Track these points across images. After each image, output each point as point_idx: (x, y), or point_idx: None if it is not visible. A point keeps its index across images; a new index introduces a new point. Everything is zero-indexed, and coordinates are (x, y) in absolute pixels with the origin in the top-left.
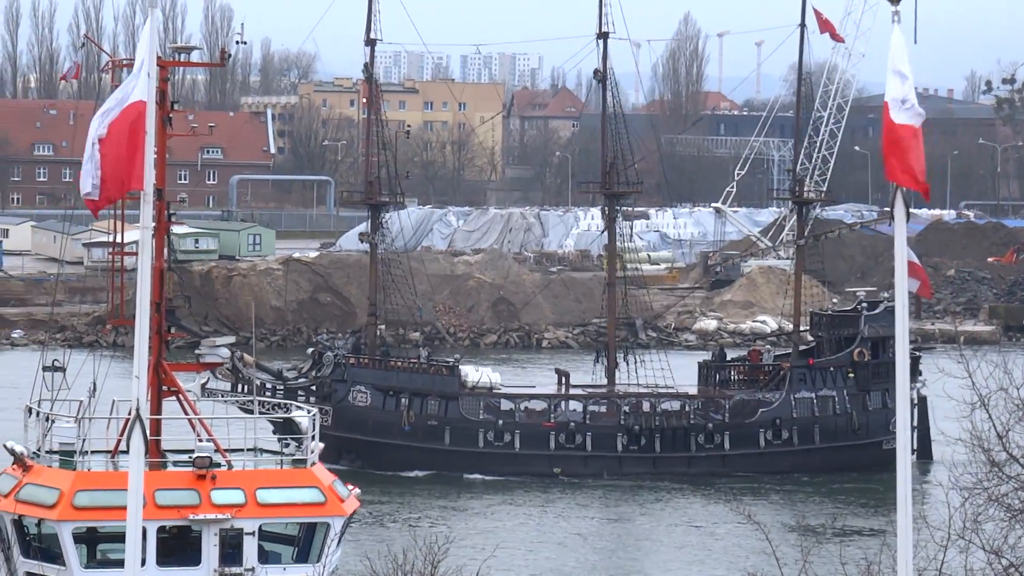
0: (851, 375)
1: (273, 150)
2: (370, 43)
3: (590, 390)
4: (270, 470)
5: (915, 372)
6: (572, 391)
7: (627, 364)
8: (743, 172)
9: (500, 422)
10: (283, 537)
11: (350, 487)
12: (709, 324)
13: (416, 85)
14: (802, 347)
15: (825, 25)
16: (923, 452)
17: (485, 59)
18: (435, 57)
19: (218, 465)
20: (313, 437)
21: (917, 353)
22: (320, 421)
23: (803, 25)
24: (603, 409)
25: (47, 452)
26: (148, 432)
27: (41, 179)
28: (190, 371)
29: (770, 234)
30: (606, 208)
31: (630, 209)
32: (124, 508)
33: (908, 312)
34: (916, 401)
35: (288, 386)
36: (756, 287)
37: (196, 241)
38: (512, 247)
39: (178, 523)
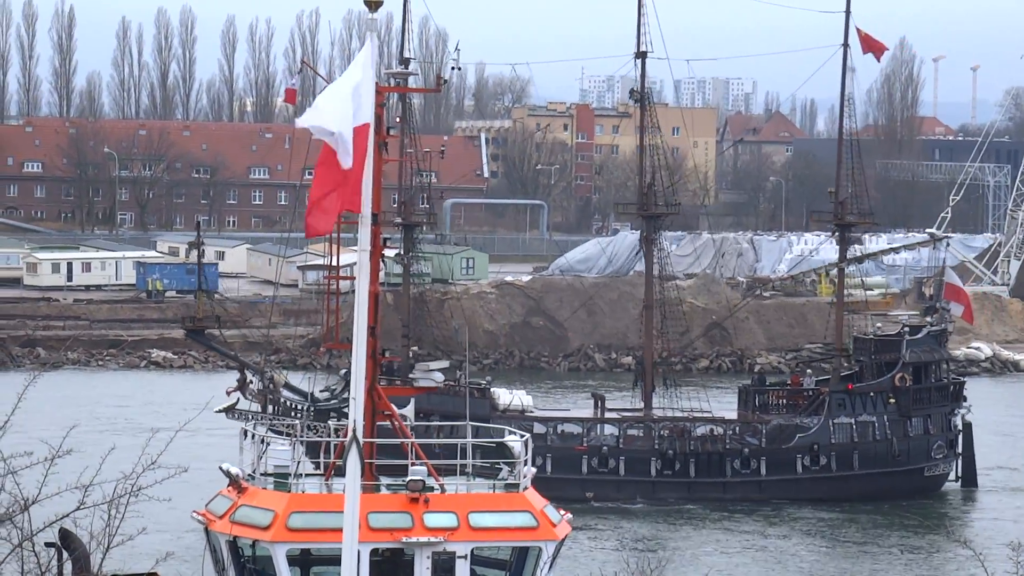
0: (892, 401)
1: (487, 174)
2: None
3: (625, 414)
4: (483, 494)
5: (959, 397)
6: (607, 415)
7: (665, 388)
8: (958, 197)
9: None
10: (495, 561)
11: (562, 512)
12: None
13: (629, 109)
14: (844, 372)
15: None
16: (968, 480)
17: (699, 83)
18: (649, 81)
19: (431, 488)
20: (526, 462)
21: (962, 379)
22: (527, 446)
23: None
24: (638, 433)
25: (262, 474)
26: (363, 454)
27: (256, 202)
28: (404, 395)
29: (984, 260)
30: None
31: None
32: (337, 530)
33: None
34: (961, 428)
35: (318, 407)
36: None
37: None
38: (724, 272)
39: (391, 546)
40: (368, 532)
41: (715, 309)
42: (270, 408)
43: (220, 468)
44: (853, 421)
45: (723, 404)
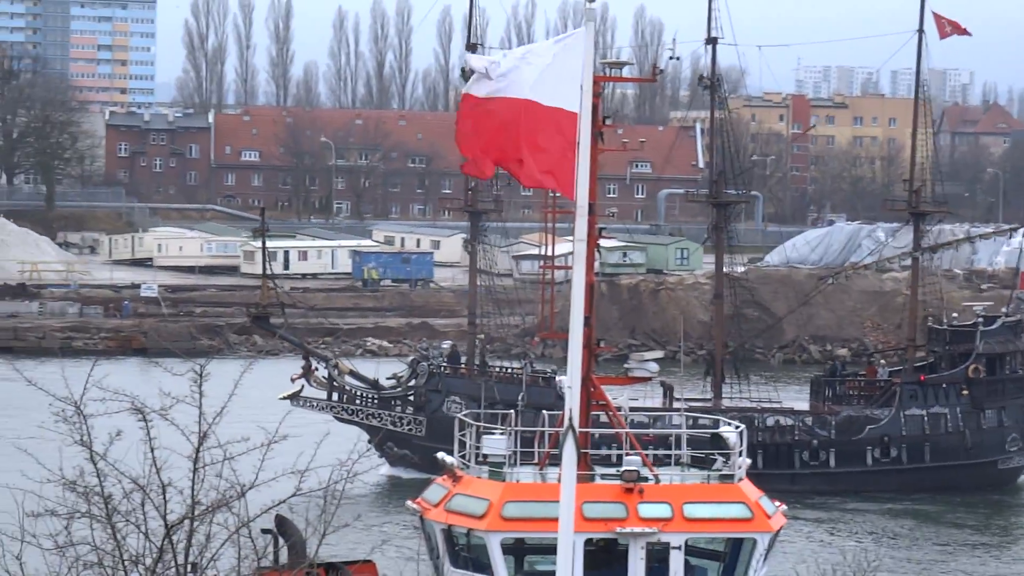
0: (965, 392)
1: (702, 165)
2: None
3: (693, 404)
4: (697, 484)
5: None
6: (675, 405)
7: (737, 379)
8: None
9: (596, 435)
10: (709, 553)
11: (776, 503)
12: None
13: (846, 100)
14: (917, 363)
15: None
16: None
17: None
18: (864, 72)
19: (645, 479)
20: (740, 452)
21: None
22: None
23: None
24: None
25: (477, 463)
26: (579, 444)
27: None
28: (619, 385)
29: None
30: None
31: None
32: (552, 520)
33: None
34: None
35: (382, 395)
36: None
37: (624, 255)
38: (941, 264)
39: (605, 536)
40: (582, 522)
41: (929, 302)
42: (335, 396)
43: (435, 456)
44: (925, 413)
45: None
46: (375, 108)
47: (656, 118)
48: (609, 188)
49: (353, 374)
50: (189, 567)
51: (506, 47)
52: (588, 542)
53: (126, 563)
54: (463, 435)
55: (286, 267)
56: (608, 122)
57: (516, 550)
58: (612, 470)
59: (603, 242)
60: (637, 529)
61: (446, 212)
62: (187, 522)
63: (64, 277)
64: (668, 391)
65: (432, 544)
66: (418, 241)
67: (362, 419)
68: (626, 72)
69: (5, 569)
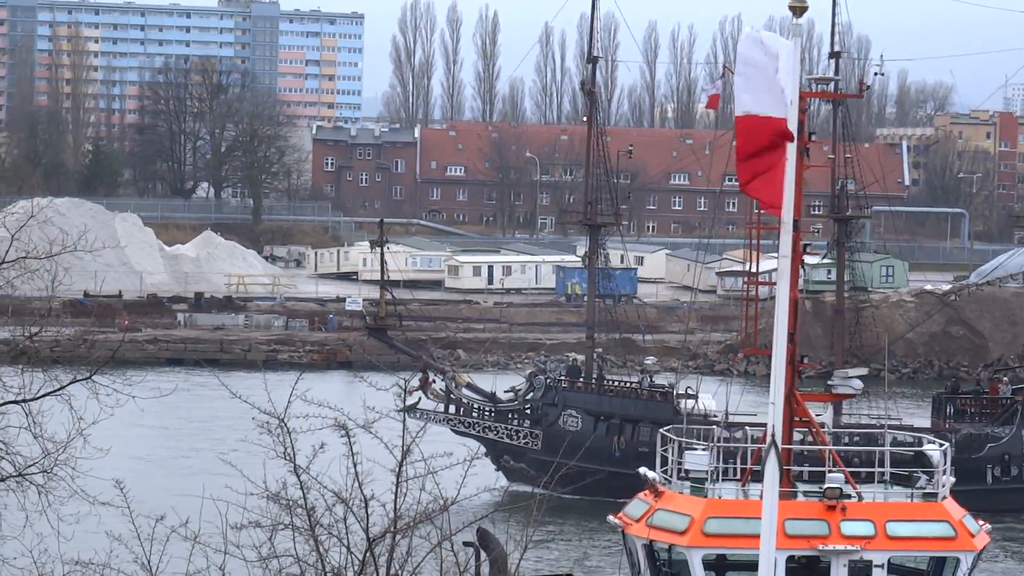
0: None
1: (908, 182)
2: (834, 56)
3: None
4: (900, 503)
5: None
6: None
7: (868, 396)
8: None
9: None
10: (912, 571)
11: (980, 523)
12: None
13: None
14: None
15: None
16: None
17: None
18: None
19: (848, 496)
20: (944, 471)
21: None
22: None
23: None
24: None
25: (679, 479)
26: (782, 460)
27: (676, 208)
28: (822, 401)
29: None
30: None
31: None
32: (754, 536)
33: None
34: None
35: (499, 408)
36: None
37: (828, 272)
38: None
39: (807, 553)
40: (784, 539)
41: None
42: (452, 408)
43: (638, 471)
44: None
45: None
46: (580, 124)
47: (862, 135)
48: (815, 205)
49: (470, 387)
50: None
51: (712, 62)
52: (790, 559)
53: (328, 575)
54: (665, 450)
55: (490, 282)
56: (813, 138)
57: (717, 566)
58: (815, 487)
59: (807, 259)
60: (840, 547)
61: (650, 227)
62: (389, 535)
63: (270, 290)
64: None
65: (633, 559)
66: (622, 256)
67: (478, 432)
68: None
69: None
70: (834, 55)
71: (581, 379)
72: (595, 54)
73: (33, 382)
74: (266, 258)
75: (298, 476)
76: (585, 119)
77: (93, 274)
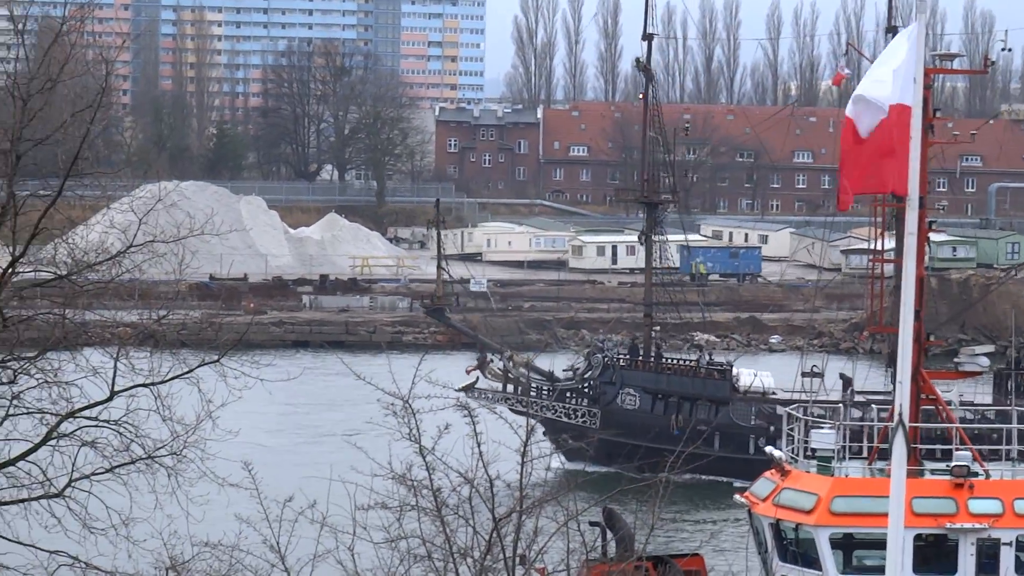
0: None
1: None
2: None
3: (873, 397)
4: None
5: None
6: (856, 399)
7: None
8: None
9: (772, 428)
10: None
11: None
12: None
13: None
14: None
15: None
16: None
17: None
18: None
19: (976, 474)
20: None
21: None
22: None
23: None
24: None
25: (805, 457)
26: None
27: (800, 186)
28: (948, 379)
29: None
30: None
31: None
32: (881, 515)
33: None
34: None
35: (557, 387)
36: None
37: (954, 249)
38: None
39: (935, 531)
40: (912, 517)
41: None
42: (510, 388)
43: (764, 450)
44: None
45: None
46: (703, 103)
47: (987, 111)
48: (939, 182)
49: (528, 366)
50: (517, 560)
51: (835, 41)
52: (917, 537)
53: (455, 556)
54: (791, 429)
55: (614, 262)
56: (938, 114)
57: (844, 545)
58: (941, 465)
59: (933, 236)
60: (967, 525)
61: (774, 206)
62: (515, 515)
63: (394, 272)
64: (848, 384)
65: (760, 538)
66: (746, 236)
67: (536, 411)
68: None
69: (338, 561)
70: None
71: (639, 357)
72: (651, 31)
73: (162, 365)
74: (390, 240)
75: (423, 457)
76: (642, 99)
77: (219, 257)
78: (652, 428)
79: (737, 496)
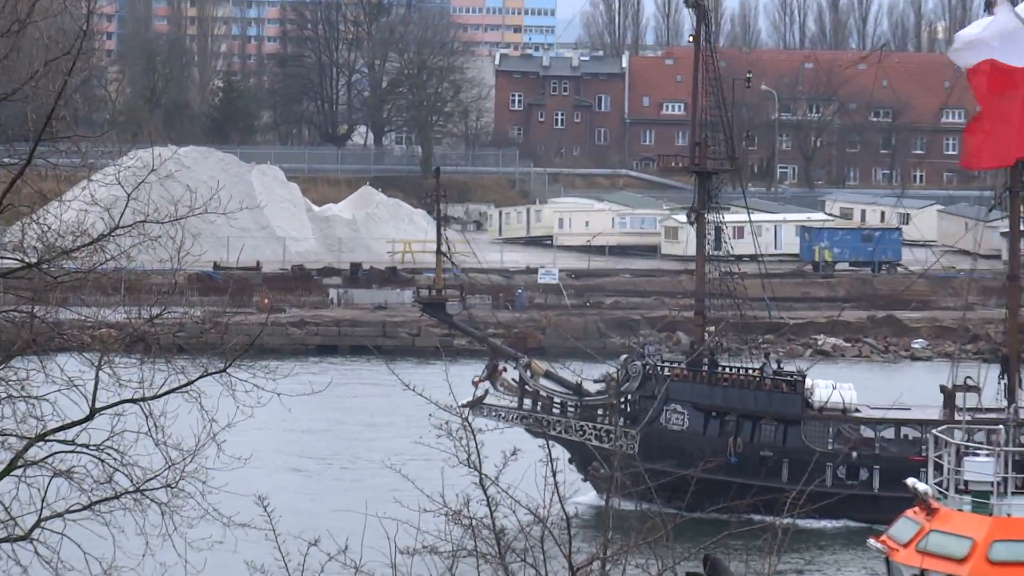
0: None
1: None
2: None
3: (980, 415)
4: None
5: None
6: (957, 416)
7: None
8: None
9: (855, 454)
10: None
11: None
12: None
13: None
14: None
15: None
16: None
17: None
18: None
19: None
20: None
21: None
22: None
23: None
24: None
25: (957, 492)
26: None
27: (950, 152)
28: None
29: None
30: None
31: None
32: None
33: None
34: None
35: (585, 403)
36: None
37: None
38: None
39: None
40: None
41: None
42: (527, 403)
43: (906, 483)
44: None
45: None
46: (829, 48)
47: None
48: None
49: (550, 375)
50: None
51: None
52: None
53: None
54: (939, 456)
55: (717, 247)
56: None
57: None
58: None
59: None
60: None
61: (917, 177)
62: (597, 563)
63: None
64: (950, 398)
65: None
66: (882, 214)
67: (558, 432)
68: None
69: None
70: None
71: (681, 365)
72: None
73: (155, 376)
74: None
75: (484, 489)
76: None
77: (226, 241)
78: (704, 453)
79: (871, 540)
